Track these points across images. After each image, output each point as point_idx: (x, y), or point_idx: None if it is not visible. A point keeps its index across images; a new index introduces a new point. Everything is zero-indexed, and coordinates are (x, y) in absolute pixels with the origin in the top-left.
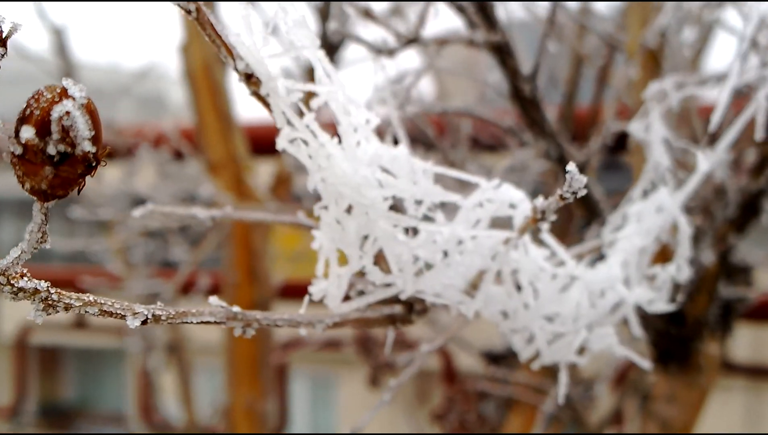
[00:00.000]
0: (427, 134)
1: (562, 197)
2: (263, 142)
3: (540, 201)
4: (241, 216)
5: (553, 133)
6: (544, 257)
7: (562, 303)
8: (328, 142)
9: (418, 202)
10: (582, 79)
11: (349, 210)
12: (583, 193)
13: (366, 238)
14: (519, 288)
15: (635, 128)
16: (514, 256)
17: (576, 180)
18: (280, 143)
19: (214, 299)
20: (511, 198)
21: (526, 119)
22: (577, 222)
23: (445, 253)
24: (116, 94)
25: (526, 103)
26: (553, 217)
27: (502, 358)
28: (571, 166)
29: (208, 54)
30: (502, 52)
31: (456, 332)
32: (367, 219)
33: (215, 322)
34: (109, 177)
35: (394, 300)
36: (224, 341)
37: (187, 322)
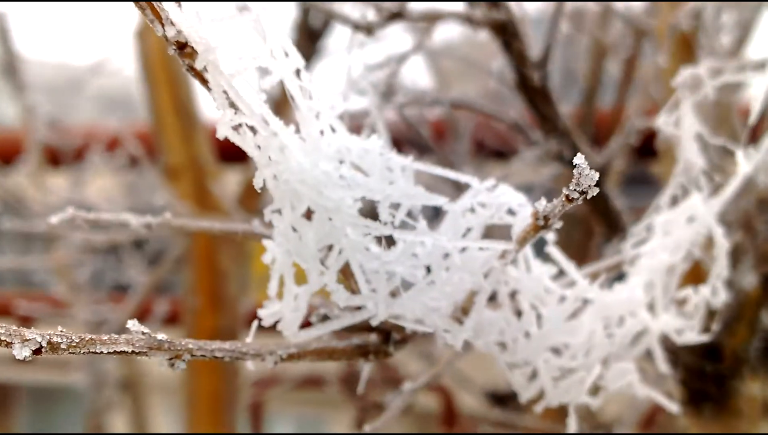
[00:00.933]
0: (422, 135)
1: (568, 198)
2: (232, 148)
3: (542, 203)
4: (184, 223)
5: (568, 130)
6: (549, 276)
7: (572, 332)
8: (281, 130)
9: (395, 207)
10: (604, 76)
11: (308, 215)
12: (593, 192)
13: (329, 249)
14: (519, 313)
15: (663, 122)
16: (513, 274)
17: (585, 176)
18: (221, 130)
19: (133, 324)
20: (510, 202)
21: (534, 113)
22: (598, 242)
23: (428, 270)
24: (68, 90)
25: (535, 93)
26: (557, 224)
27: (508, 399)
28: (579, 159)
29: None
30: (506, 33)
31: (445, 366)
32: (331, 226)
33: (133, 353)
34: (54, 185)
35: (368, 327)
36: (182, 376)
37: (95, 352)
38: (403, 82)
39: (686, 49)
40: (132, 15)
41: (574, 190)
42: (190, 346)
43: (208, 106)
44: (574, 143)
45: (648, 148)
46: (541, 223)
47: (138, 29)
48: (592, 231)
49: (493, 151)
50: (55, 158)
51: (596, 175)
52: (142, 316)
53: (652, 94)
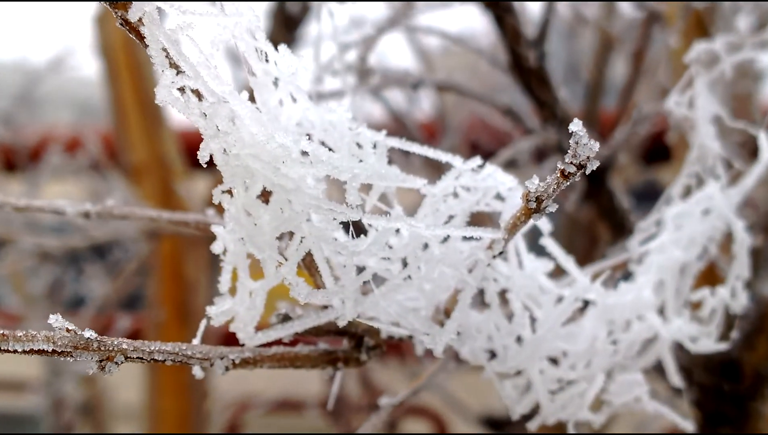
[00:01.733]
0: (410, 131)
1: (564, 173)
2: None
3: (534, 182)
4: (128, 213)
5: (568, 116)
6: (545, 272)
7: (571, 337)
8: (231, 97)
9: (366, 189)
10: (610, 73)
11: (264, 196)
12: (593, 165)
13: (289, 237)
14: (510, 315)
15: (674, 103)
16: (503, 270)
17: (583, 146)
18: (160, 94)
19: (56, 319)
20: (498, 186)
21: (530, 98)
22: (605, 250)
23: (404, 263)
24: (24, 90)
25: (531, 75)
26: (552, 207)
27: (505, 425)
28: (576, 125)
29: None
30: (498, 6)
31: (428, 380)
32: (290, 209)
33: (55, 352)
34: (8, 189)
35: (337, 331)
36: (146, 398)
37: (9, 350)
38: (388, 68)
39: (700, 29)
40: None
41: (571, 163)
42: (124, 346)
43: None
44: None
45: (658, 151)
46: (533, 206)
47: (97, 14)
48: (597, 238)
49: (488, 153)
50: (9, 161)
51: (596, 145)
52: (102, 331)
53: (663, 84)
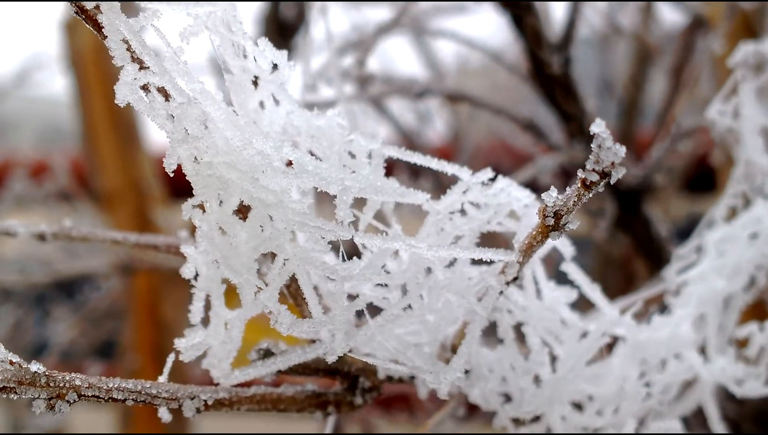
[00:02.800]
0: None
1: (585, 183)
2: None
3: (552, 195)
4: (88, 234)
5: None
6: (566, 303)
7: (597, 379)
8: (204, 96)
9: (359, 204)
10: (648, 87)
11: (241, 212)
12: (618, 173)
13: (270, 259)
14: (526, 353)
15: (717, 113)
16: (518, 299)
17: (607, 150)
18: (120, 91)
19: None
20: (512, 201)
21: (554, 111)
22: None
23: (404, 290)
24: None
25: (554, 84)
26: (573, 224)
27: None
28: (597, 126)
29: None
30: (517, 7)
31: (435, 427)
32: (271, 227)
33: None
34: None
35: (328, 370)
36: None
37: None
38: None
39: (747, 31)
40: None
41: (593, 170)
42: (77, 382)
43: (156, 129)
44: None
45: (703, 179)
46: (551, 223)
47: (66, 20)
48: (634, 276)
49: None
50: None
51: (621, 150)
52: None
53: (706, 97)
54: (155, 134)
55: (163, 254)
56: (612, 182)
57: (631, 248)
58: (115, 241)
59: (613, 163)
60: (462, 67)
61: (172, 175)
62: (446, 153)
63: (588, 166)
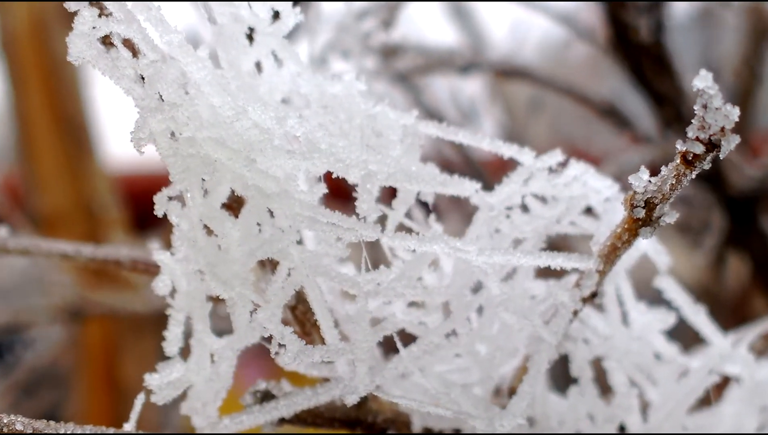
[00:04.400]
0: (471, 162)
1: (685, 158)
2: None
3: (642, 178)
4: (24, 248)
5: None
6: (661, 331)
7: (704, 431)
8: (183, 52)
9: (388, 197)
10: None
11: (232, 205)
12: (731, 143)
13: (271, 268)
14: (608, 393)
15: None
16: (597, 325)
17: (715, 111)
18: (74, 45)
19: None
20: (589, 194)
21: (643, 91)
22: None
23: (446, 312)
24: None
25: (642, 54)
26: (671, 217)
27: None
28: (703, 79)
29: (46, 11)
30: None
31: None
32: (272, 225)
33: None
34: None
35: (346, 417)
36: None
37: None
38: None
39: None
40: None
41: (696, 138)
42: (18, 426)
43: (117, 140)
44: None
45: None
46: (641, 215)
47: None
48: (749, 314)
49: None
50: None
51: (734, 112)
52: None
53: None
54: (114, 140)
55: (124, 299)
56: (722, 155)
57: (746, 277)
58: (64, 254)
59: (723, 129)
60: (518, 44)
61: (137, 204)
62: (497, 163)
63: (690, 135)
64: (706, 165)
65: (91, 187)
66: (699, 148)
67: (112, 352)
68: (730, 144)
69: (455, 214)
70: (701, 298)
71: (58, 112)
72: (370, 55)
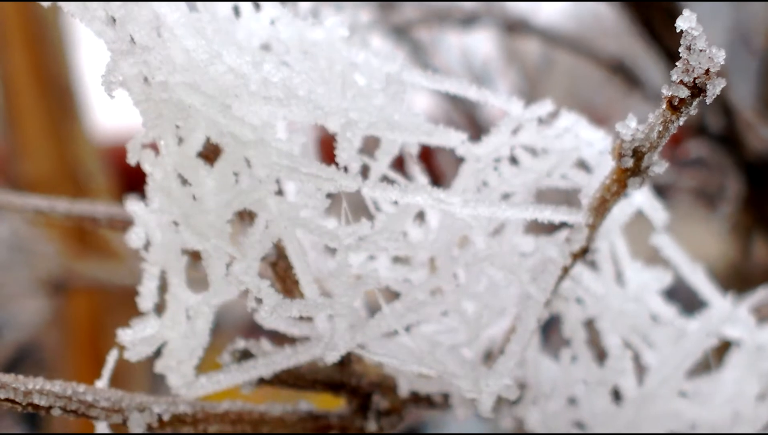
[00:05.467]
0: (477, 124)
1: (671, 103)
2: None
3: (630, 126)
4: None
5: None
6: (658, 291)
7: (702, 397)
8: None
9: (372, 147)
10: None
11: (207, 153)
12: (716, 87)
13: (247, 218)
14: (602, 357)
15: None
16: (591, 285)
17: (699, 53)
18: None
19: None
20: (581, 145)
21: (656, 49)
22: None
23: (432, 268)
24: None
25: (653, 9)
26: (660, 166)
27: None
28: (686, 20)
29: None
30: None
31: None
32: (249, 175)
33: None
34: None
35: (329, 380)
36: None
37: None
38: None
39: None
40: None
41: (680, 82)
42: None
43: (104, 106)
44: (725, 103)
45: None
46: (629, 165)
47: None
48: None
49: None
50: None
51: (720, 55)
52: None
53: None
54: (101, 103)
55: (109, 270)
56: (708, 100)
57: (753, 249)
58: (38, 210)
59: (707, 72)
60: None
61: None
62: None
63: (674, 78)
64: (692, 110)
65: (75, 153)
66: (684, 92)
67: (98, 325)
68: (715, 87)
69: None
70: (731, 278)
71: (42, 77)
72: (365, 8)
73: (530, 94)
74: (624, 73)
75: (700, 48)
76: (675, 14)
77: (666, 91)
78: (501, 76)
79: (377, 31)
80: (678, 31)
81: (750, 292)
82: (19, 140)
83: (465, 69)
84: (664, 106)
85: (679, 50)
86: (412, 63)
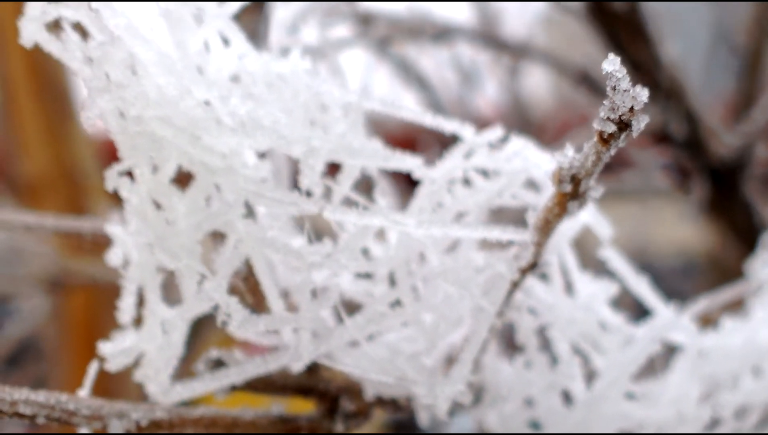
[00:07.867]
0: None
1: (602, 137)
2: None
3: (567, 155)
4: None
5: (678, 87)
6: (606, 300)
7: (648, 399)
8: (130, 34)
9: (330, 169)
10: None
11: (180, 180)
12: (641, 123)
13: (218, 239)
14: (554, 361)
15: None
16: (542, 296)
17: (622, 93)
18: (26, 29)
19: None
20: (530, 168)
21: (620, 55)
22: None
23: (391, 281)
24: None
25: (618, 24)
26: (597, 191)
27: None
28: (610, 63)
29: None
30: None
31: None
32: (219, 199)
33: None
34: None
35: (299, 385)
36: None
37: None
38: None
39: None
40: None
41: (608, 118)
42: None
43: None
44: (689, 109)
45: None
46: (568, 190)
47: None
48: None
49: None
50: None
51: (643, 93)
52: None
53: None
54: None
55: (106, 269)
56: (635, 134)
57: (728, 243)
58: (26, 226)
59: (632, 109)
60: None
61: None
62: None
63: (602, 115)
64: (622, 143)
65: (72, 152)
66: (611, 128)
67: (94, 321)
68: (640, 123)
69: None
70: (716, 272)
71: (40, 76)
72: (345, 23)
73: (517, 90)
74: (589, 84)
75: (624, 88)
76: (640, 28)
77: (596, 126)
78: (489, 73)
79: (361, 43)
80: (604, 73)
81: (727, 282)
82: (17, 140)
83: (454, 67)
84: (596, 139)
85: (607, 89)
86: (396, 71)
